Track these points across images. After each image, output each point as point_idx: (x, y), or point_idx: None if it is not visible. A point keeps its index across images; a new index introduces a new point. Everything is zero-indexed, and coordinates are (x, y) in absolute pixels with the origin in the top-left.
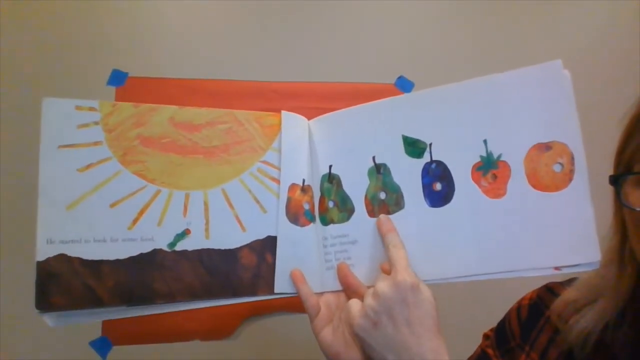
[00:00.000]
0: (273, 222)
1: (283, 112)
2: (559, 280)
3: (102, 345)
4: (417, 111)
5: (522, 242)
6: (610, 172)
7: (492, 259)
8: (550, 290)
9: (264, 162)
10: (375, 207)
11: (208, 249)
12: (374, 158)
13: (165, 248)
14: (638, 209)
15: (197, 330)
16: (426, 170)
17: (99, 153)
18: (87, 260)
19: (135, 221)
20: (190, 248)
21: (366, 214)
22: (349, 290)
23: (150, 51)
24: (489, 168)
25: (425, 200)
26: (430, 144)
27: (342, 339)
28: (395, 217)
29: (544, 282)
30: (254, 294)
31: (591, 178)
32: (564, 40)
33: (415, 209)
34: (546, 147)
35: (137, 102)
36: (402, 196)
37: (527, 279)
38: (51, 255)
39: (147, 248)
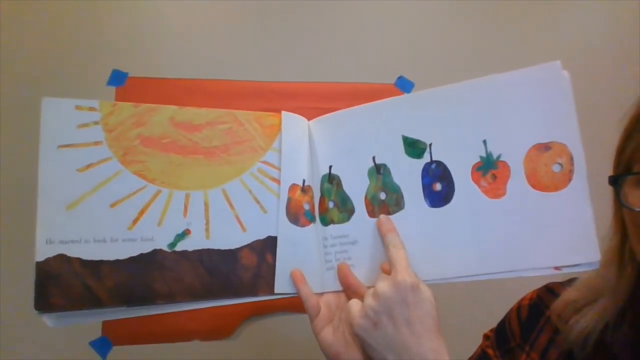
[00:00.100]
0: (273, 222)
1: (283, 112)
2: (559, 280)
3: (102, 345)
4: (417, 111)
5: (521, 242)
6: (610, 172)
7: (492, 259)
8: (550, 291)
9: (264, 162)
10: (376, 207)
11: (208, 249)
12: (374, 158)
13: (166, 248)
14: (637, 209)
15: (197, 330)
16: (426, 171)
17: (99, 153)
18: (86, 261)
19: (135, 221)
20: (190, 248)
21: (366, 214)
22: (349, 290)
23: (150, 51)
24: (489, 168)
25: (425, 201)
26: (430, 144)
27: (342, 339)
28: (395, 218)
29: (544, 282)
30: (254, 294)
31: (591, 178)
32: (564, 40)
33: (415, 209)
34: (545, 147)
35: (137, 102)
36: (402, 196)
37: (527, 279)
38: (51, 255)
39: (147, 248)
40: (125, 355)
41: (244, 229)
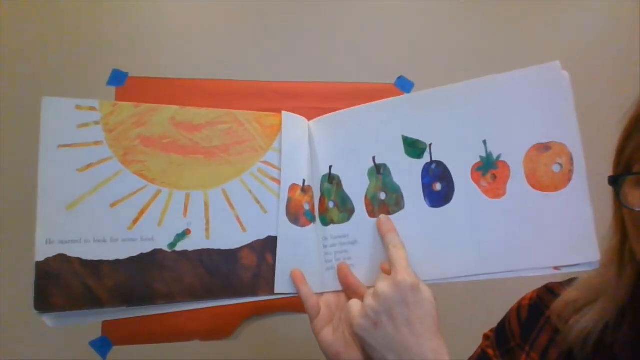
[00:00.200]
0: (273, 222)
1: (283, 112)
2: (558, 280)
3: (102, 345)
4: (417, 112)
5: (521, 242)
6: (610, 172)
7: (491, 259)
8: (550, 291)
9: (265, 162)
10: (376, 207)
11: (208, 249)
12: (374, 158)
13: (166, 248)
14: (637, 209)
15: (197, 330)
16: (426, 171)
17: (99, 153)
18: (86, 261)
19: (135, 221)
20: (190, 248)
21: (366, 214)
22: (349, 290)
23: (150, 51)
24: (489, 168)
25: (425, 201)
26: (430, 145)
27: (343, 339)
28: (395, 218)
29: (543, 282)
30: (254, 294)
31: (591, 178)
32: (563, 40)
33: (415, 209)
34: (545, 147)
35: (137, 102)
36: (402, 196)
37: (527, 279)
38: (50, 255)
39: (147, 248)
40: (125, 355)
41: (244, 229)
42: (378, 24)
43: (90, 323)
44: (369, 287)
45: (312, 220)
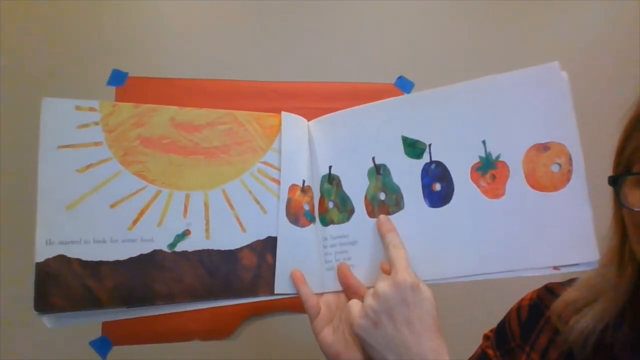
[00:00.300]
0: (273, 222)
1: (283, 113)
2: (558, 280)
3: (102, 345)
4: (417, 112)
5: (521, 242)
6: (610, 172)
7: (491, 259)
8: (550, 291)
9: (264, 162)
10: (375, 207)
11: (208, 250)
12: (373, 159)
13: (165, 249)
14: (637, 210)
15: (197, 330)
16: (426, 171)
17: (99, 153)
18: (86, 261)
19: (135, 222)
20: (190, 249)
21: (366, 214)
22: (349, 290)
23: (150, 51)
24: (488, 168)
25: (425, 201)
26: (430, 145)
27: (343, 339)
28: (395, 218)
29: (543, 282)
30: (254, 294)
31: (590, 178)
32: (563, 40)
33: (415, 210)
34: (544, 147)
35: (137, 102)
36: (401, 197)
37: (527, 279)
38: (50, 256)
39: (147, 249)
40: (125, 355)
41: (244, 230)
42: (378, 24)
43: (89, 324)
44: (368, 288)
45: (312, 220)
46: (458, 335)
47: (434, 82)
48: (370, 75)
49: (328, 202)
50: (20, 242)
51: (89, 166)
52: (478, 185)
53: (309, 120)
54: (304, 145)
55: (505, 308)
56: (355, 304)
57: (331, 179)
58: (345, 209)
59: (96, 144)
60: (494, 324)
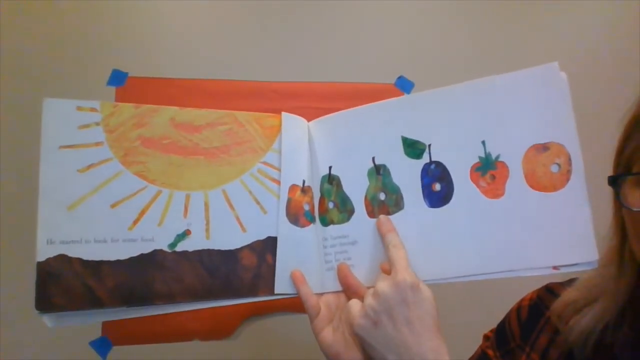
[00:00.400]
0: (273, 222)
1: (283, 113)
2: (557, 280)
3: (102, 345)
4: (416, 112)
5: (520, 242)
6: (610, 172)
7: (491, 259)
8: (550, 291)
9: (264, 163)
10: (375, 207)
11: (208, 250)
12: (373, 159)
13: (166, 249)
14: (636, 210)
15: (197, 330)
16: (425, 171)
17: (99, 154)
18: (87, 261)
19: (135, 222)
20: (190, 249)
21: (366, 214)
22: (349, 290)
23: (150, 51)
24: (488, 169)
25: (425, 201)
26: (430, 145)
27: (343, 339)
28: (394, 218)
29: (543, 282)
30: (254, 294)
31: (591, 178)
32: (563, 40)
33: (415, 210)
34: (544, 147)
35: (137, 102)
36: (401, 197)
37: (527, 279)
38: (51, 255)
39: (147, 248)
40: (125, 355)
41: (244, 230)
42: (378, 24)
43: (90, 323)
44: (368, 288)
45: (312, 220)
46: (458, 335)
47: (434, 82)
48: (370, 75)
49: (328, 202)
50: (21, 242)
51: (89, 166)
52: (478, 186)
53: (309, 120)
54: (304, 146)
55: (505, 308)
56: (355, 304)
57: (331, 179)
58: (345, 209)
59: (97, 144)
60: (494, 324)
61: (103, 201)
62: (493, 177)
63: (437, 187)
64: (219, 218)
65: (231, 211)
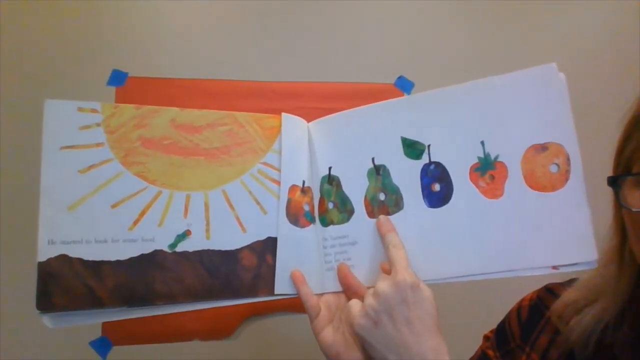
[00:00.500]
0: (273, 223)
1: (283, 114)
2: (557, 279)
3: (102, 345)
4: (416, 113)
5: (520, 242)
6: (610, 172)
7: (490, 259)
8: (550, 291)
9: (265, 163)
10: (375, 208)
11: (208, 250)
12: (373, 159)
13: (166, 249)
14: (636, 210)
15: (197, 330)
16: (425, 172)
17: (100, 154)
18: (88, 261)
19: (136, 222)
20: (190, 249)
21: (366, 215)
22: (349, 291)
23: (150, 51)
24: (487, 169)
25: (424, 201)
26: (429, 146)
27: (343, 340)
28: (394, 218)
29: (543, 282)
30: (254, 295)
31: (591, 178)
32: (563, 40)
33: (415, 210)
34: (542, 147)
35: (137, 102)
36: (401, 197)
37: (527, 279)
38: (52, 255)
39: (147, 249)
40: (125, 355)
41: (244, 230)
42: (378, 24)
43: (90, 324)
44: (368, 288)
45: (312, 221)
46: (458, 335)
47: (434, 82)
48: (370, 75)
49: (328, 203)
50: (22, 242)
51: (90, 167)
52: (477, 186)
53: (309, 120)
54: (303, 146)
55: (505, 308)
56: (355, 304)
57: (331, 180)
58: (345, 209)
59: (98, 145)
60: (494, 324)
61: (104, 201)
62: (492, 177)
63: (437, 187)
64: (219, 218)
65: (231, 211)
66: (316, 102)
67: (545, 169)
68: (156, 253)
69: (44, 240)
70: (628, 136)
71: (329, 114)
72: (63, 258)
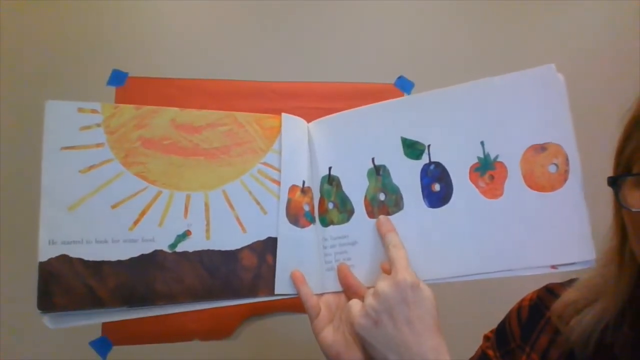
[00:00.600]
0: (273, 223)
1: (283, 114)
2: (556, 279)
3: (102, 345)
4: (416, 113)
5: (519, 242)
6: (610, 172)
7: (490, 259)
8: (550, 291)
9: (265, 163)
10: (375, 208)
11: (209, 250)
12: (373, 160)
13: (166, 249)
14: (636, 210)
15: (197, 330)
16: (425, 172)
17: (100, 155)
18: (88, 261)
19: (136, 222)
20: (191, 249)
21: (366, 215)
22: (349, 291)
23: (150, 51)
24: (486, 169)
25: (424, 201)
26: (429, 146)
27: (343, 339)
28: (394, 218)
29: (542, 282)
30: (254, 295)
31: (591, 178)
32: (563, 40)
33: (415, 210)
34: (541, 148)
35: (137, 102)
36: (401, 197)
37: (526, 279)
38: (53, 255)
39: (148, 249)
40: (125, 355)
41: (244, 230)
42: (378, 24)
43: (90, 324)
44: (368, 288)
45: (312, 221)
46: (458, 335)
47: (434, 82)
48: (370, 75)
49: (328, 203)
50: (23, 242)
51: (91, 167)
52: (477, 186)
53: (308, 120)
54: (303, 147)
55: (505, 308)
56: (355, 304)
57: (331, 180)
58: (345, 209)
59: (98, 145)
60: (494, 324)
61: (104, 202)
62: (492, 177)
63: (437, 187)
64: (219, 218)
65: (231, 212)
66: (316, 102)
67: (544, 169)
68: (156, 253)
69: (44, 240)
70: (628, 136)
71: (329, 114)
72: (64, 258)
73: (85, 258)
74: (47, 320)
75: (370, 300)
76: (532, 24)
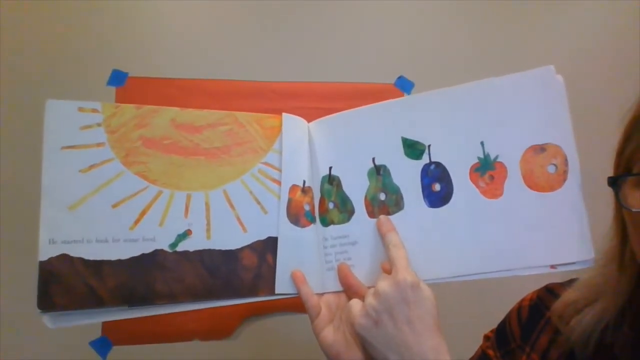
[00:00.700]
0: (274, 223)
1: (283, 114)
2: (555, 279)
3: (102, 345)
4: (416, 113)
5: (519, 242)
6: (611, 173)
7: (490, 259)
8: (550, 291)
9: (265, 163)
10: (375, 208)
11: (209, 250)
12: (373, 159)
13: (167, 248)
14: (636, 211)
15: (197, 330)
16: (425, 172)
17: (101, 154)
18: (88, 261)
19: (136, 222)
20: (191, 249)
21: (366, 214)
22: (350, 290)
23: (150, 51)
24: (487, 169)
25: (425, 201)
26: (429, 146)
27: (343, 339)
28: (395, 218)
29: (542, 282)
30: (255, 294)
31: (592, 179)
32: (563, 40)
33: (415, 210)
34: (541, 148)
35: (137, 102)
36: (401, 197)
37: (526, 279)
38: (53, 255)
39: (148, 248)
40: (125, 355)
41: (244, 230)
42: (378, 24)
43: (90, 324)
44: (369, 287)
45: (313, 221)
46: (458, 335)
47: (434, 82)
48: (370, 75)
49: (328, 203)
50: (23, 241)
51: (91, 167)
52: (477, 186)
53: (309, 120)
54: (304, 146)
55: (505, 308)
56: (356, 303)
57: (331, 180)
58: (346, 209)
59: (98, 144)
60: (494, 324)
61: (104, 201)
62: (492, 177)
63: (437, 187)
64: (220, 218)
65: (232, 211)
66: (316, 102)
67: (543, 170)
68: (157, 253)
69: (44, 239)
70: (628, 137)
71: (329, 114)
72: (64, 257)
73: (86, 257)
74: (47, 320)
75: (370, 300)
76: (532, 24)
